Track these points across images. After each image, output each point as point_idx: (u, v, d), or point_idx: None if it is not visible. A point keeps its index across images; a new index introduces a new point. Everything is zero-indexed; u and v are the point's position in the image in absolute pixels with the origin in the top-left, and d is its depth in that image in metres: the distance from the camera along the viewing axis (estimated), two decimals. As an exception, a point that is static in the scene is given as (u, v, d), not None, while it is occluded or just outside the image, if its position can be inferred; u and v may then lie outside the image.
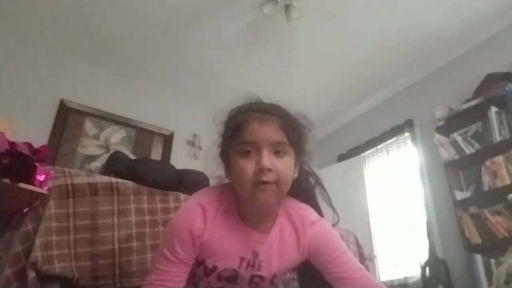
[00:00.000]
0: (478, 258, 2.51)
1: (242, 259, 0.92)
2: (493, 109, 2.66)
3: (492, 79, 2.74)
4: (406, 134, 3.40)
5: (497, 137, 2.60)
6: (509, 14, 2.86)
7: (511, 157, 2.52)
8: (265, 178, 0.83)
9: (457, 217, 2.69)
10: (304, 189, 1.00)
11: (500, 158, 2.56)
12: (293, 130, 0.89)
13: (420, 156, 3.23)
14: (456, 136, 2.86)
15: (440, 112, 3.02)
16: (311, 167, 1.02)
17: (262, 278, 0.94)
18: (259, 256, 0.92)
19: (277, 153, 0.86)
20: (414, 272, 2.88)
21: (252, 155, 0.84)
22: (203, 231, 0.88)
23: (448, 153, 2.87)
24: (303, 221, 0.94)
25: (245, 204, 0.91)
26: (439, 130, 2.98)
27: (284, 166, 0.86)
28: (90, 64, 3.38)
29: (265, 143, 0.84)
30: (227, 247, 0.91)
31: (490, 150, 2.63)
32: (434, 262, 2.73)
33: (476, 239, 2.56)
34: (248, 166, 0.84)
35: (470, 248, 2.57)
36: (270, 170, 0.83)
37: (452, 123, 2.93)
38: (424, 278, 2.72)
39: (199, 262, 0.93)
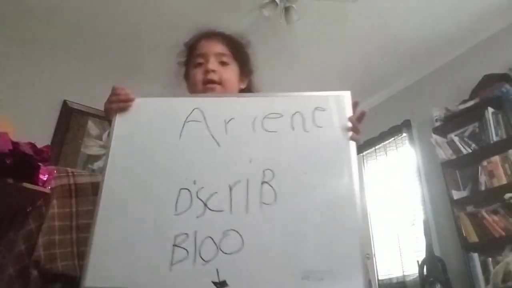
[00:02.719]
0: (475, 256, 2.54)
1: None
2: (490, 109, 2.69)
3: (489, 80, 2.77)
4: (404, 134, 3.43)
5: (494, 138, 2.63)
6: (506, 16, 2.89)
7: (508, 157, 2.55)
8: (210, 76, 1.08)
9: (454, 216, 2.72)
10: None
11: (496, 158, 2.59)
12: (235, 46, 1.15)
13: (418, 156, 3.26)
14: (453, 136, 2.89)
15: (438, 113, 3.05)
16: (256, 87, 1.22)
17: None
18: None
19: (222, 63, 1.11)
20: (412, 270, 2.91)
21: (203, 65, 1.10)
22: None
23: (445, 153, 2.89)
24: None
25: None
26: (436, 130, 3.01)
27: (228, 73, 1.11)
28: (93, 66, 3.39)
29: (210, 53, 1.11)
30: None
31: (487, 150, 2.66)
32: (432, 261, 2.75)
33: (473, 238, 2.58)
34: (199, 72, 1.10)
35: (467, 247, 2.60)
36: (214, 71, 1.08)
37: (449, 123, 2.96)
38: (421, 276, 2.74)
39: None
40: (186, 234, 0.82)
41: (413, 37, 3.11)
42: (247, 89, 1.19)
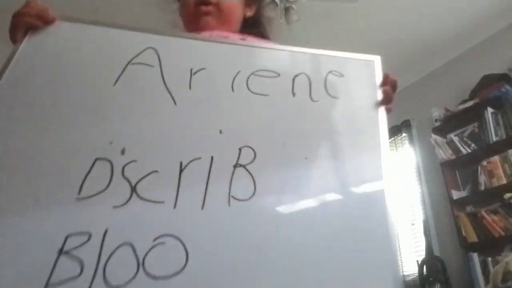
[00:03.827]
0: (475, 256, 2.54)
1: None
2: (489, 110, 2.69)
3: (488, 80, 2.78)
4: (404, 134, 3.44)
5: (493, 138, 2.64)
6: (505, 16, 2.89)
7: (507, 157, 2.56)
8: None
9: (454, 216, 2.73)
10: (259, 30, 0.97)
11: (496, 158, 2.60)
12: None
13: (417, 156, 3.27)
14: (453, 136, 2.90)
15: (437, 113, 3.06)
16: (268, 23, 1.02)
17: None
18: None
19: None
20: (411, 270, 2.92)
21: None
22: None
23: (444, 153, 2.90)
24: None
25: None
26: (436, 130, 3.02)
27: None
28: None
29: None
30: None
31: (486, 150, 2.67)
32: (431, 261, 2.76)
33: (472, 238, 2.59)
34: None
35: (467, 247, 2.60)
36: None
37: (449, 123, 2.96)
38: (421, 276, 2.75)
39: None
40: (87, 234, 0.48)
41: (413, 37, 3.11)
42: (255, 21, 0.95)
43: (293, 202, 0.56)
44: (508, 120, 2.59)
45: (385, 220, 0.58)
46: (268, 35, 0.98)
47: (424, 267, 2.76)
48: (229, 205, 0.53)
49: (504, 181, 2.52)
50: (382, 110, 0.68)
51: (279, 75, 0.67)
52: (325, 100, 0.67)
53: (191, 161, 0.56)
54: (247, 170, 0.56)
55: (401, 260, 3.05)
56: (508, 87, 2.65)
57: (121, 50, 0.65)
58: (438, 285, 2.65)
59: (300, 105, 0.66)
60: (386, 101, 0.70)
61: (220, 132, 0.59)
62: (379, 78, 0.71)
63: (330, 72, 0.70)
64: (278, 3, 2.59)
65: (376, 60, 0.73)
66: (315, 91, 0.67)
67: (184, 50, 0.67)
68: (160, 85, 0.62)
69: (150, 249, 0.48)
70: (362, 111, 0.67)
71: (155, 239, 0.49)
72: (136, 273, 0.46)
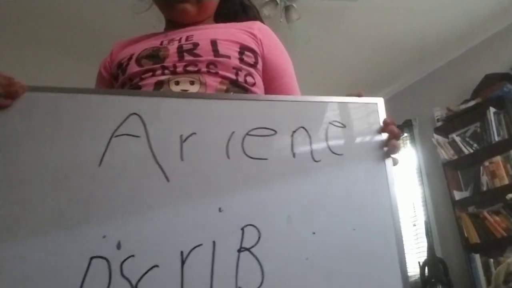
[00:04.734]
0: (477, 257, 2.52)
1: (165, 38, 0.81)
2: (492, 109, 2.67)
3: (491, 80, 2.76)
4: (405, 134, 3.42)
5: (496, 138, 2.62)
6: (507, 15, 2.87)
7: (510, 157, 2.54)
8: None
9: (456, 217, 2.71)
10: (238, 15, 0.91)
11: (498, 158, 2.58)
12: None
13: (419, 156, 3.25)
14: (455, 136, 2.88)
15: (439, 113, 3.04)
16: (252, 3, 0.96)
17: (195, 44, 0.76)
18: (190, 34, 0.79)
19: None
20: (413, 271, 2.90)
21: None
22: (120, 45, 0.85)
23: (446, 153, 2.88)
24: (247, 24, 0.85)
25: (168, 23, 0.88)
26: (438, 130, 3.00)
27: None
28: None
29: None
30: (146, 40, 0.83)
31: (489, 150, 2.65)
32: (433, 262, 2.74)
33: (474, 238, 2.57)
34: None
35: (469, 248, 2.58)
36: None
37: (451, 123, 2.95)
38: (423, 277, 2.73)
39: (116, 68, 0.80)
40: None
41: (414, 37, 3.10)
42: (240, 14, 0.91)
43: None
44: (510, 120, 2.58)
45: None
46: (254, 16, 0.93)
47: (426, 268, 2.74)
48: None
49: (506, 182, 2.50)
50: (389, 163, 0.64)
51: (276, 132, 0.61)
52: (329, 160, 0.61)
53: (192, 250, 0.51)
54: (252, 255, 0.53)
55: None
56: (510, 86, 2.64)
57: (102, 119, 0.57)
58: (440, 287, 2.63)
59: (301, 168, 0.59)
60: (393, 152, 0.65)
61: (220, 210, 0.54)
62: (382, 124, 0.66)
63: (331, 123, 0.63)
64: (278, 2, 2.58)
65: (379, 103, 0.67)
66: (317, 150, 0.61)
67: (170, 113, 0.59)
68: (150, 159, 0.55)
69: None
70: (369, 166, 0.62)
71: None
72: None
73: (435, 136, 2.97)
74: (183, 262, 0.50)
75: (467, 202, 2.74)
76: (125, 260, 0.49)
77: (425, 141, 3.20)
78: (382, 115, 0.66)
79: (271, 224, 0.55)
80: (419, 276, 2.78)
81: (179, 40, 0.78)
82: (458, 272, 2.69)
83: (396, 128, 0.65)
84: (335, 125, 0.63)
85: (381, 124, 0.65)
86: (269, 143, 0.60)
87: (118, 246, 0.50)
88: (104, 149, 0.55)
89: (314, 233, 0.55)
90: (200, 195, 0.55)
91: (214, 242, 0.52)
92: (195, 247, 0.51)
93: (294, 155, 0.60)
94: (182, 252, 0.51)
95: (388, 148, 0.64)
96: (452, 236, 2.78)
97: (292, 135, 0.61)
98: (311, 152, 0.61)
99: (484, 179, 2.64)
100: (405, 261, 0.57)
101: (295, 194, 0.57)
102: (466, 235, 2.62)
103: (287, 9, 2.59)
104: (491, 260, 2.45)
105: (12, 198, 0.50)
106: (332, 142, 0.62)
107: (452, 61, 3.25)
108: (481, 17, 2.90)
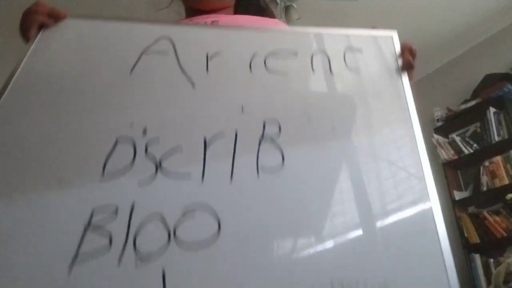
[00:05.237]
0: (477, 257, 2.52)
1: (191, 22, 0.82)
2: (492, 109, 2.67)
3: (491, 80, 2.76)
4: (405, 134, 3.42)
5: (496, 138, 2.62)
6: (507, 15, 2.87)
7: (510, 157, 2.54)
8: None
9: (456, 217, 2.71)
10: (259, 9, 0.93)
11: (498, 158, 2.58)
12: None
13: (419, 156, 3.24)
14: (455, 136, 2.88)
15: (439, 113, 3.04)
16: None
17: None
18: (215, 20, 0.80)
19: None
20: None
21: None
22: None
23: (446, 153, 2.88)
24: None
25: (188, 11, 0.89)
26: (438, 130, 3.00)
27: None
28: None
29: None
30: None
31: (489, 150, 2.65)
32: (433, 262, 2.74)
33: (474, 238, 2.57)
34: None
35: (469, 248, 2.58)
36: None
37: (451, 123, 2.95)
38: (423, 277, 2.73)
39: None
40: (114, 206, 0.48)
41: (414, 37, 3.09)
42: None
43: (323, 173, 0.55)
44: (510, 120, 2.57)
45: (424, 190, 0.60)
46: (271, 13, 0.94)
47: (426, 268, 2.74)
48: (258, 177, 0.52)
49: (506, 182, 2.50)
50: (405, 78, 0.68)
51: (296, 54, 0.67)
52: (347, 74, 0.66)
53: (215, 136, 0.55)
54: (274, 143, 0.56)
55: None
56: (510, 86, 2.64)
57: (133, 41, 0.65)
58: (440, 286, 2.63)
59: (320, 80, 0.65)
60: (408, 67, 0.69)
61: (242, 109, 0.59)
62: (398, 51, 0.71)
63: (348, 48, 0.69)
64: (278, 2, 2.57)
65: (394, 35, 0.72)
66: (335, 66, 0.66)
67: (198, 37, 0.67)
68: (177, 71, 0.62)
69: (180, 219, 0.48)
70: (385, 81, 0.66)
71: (185, 210, 0.48)
72: (167, 242, 0.46)
73: (435, 136, 2.97)
74: (206, 145, 0.54)
75: (467, 202, 2.74)
76: (149, 141, 0.54)
77: (425, 141, 3.18)
78: (397, 45, 0.72)
79: (291, 121, 0.58)
80: (419, 276, 2.78)
81: (205, 23, 0.80)
82: (458, 272, 2.68)
83: (414, 50, 0.71)
84: (352, 50, 0.69)
85: (396, 52, 0.70)
86: (290, 63, 0.66)
87: (144, 132, 0.54)
88: (135, 62, 0.62)
89: (333, 129, 0.59)
90: (223, 98, 0.60)
91: (236, 132, 0.56)
92: (218, 134, 0.55)
93: (313, 71, 0.66)
94: (205, 138, 0.55)
95: (404, 63, 0.69)
96: (452, 236, 2.78)
97: (311, 57, 0.67)
98: (330, 68, 0.66)
99: (484, 179, 2.63)
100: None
101: (314, 100, 0.62)
102: (466, 235, 2.62)
103: (287, 9, 2.59)
104: (491, 260, 2.45)
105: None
106: (349, 61, 0.68)
107: (452, 61, 3.25)
108: (481, 17, 2.90)
